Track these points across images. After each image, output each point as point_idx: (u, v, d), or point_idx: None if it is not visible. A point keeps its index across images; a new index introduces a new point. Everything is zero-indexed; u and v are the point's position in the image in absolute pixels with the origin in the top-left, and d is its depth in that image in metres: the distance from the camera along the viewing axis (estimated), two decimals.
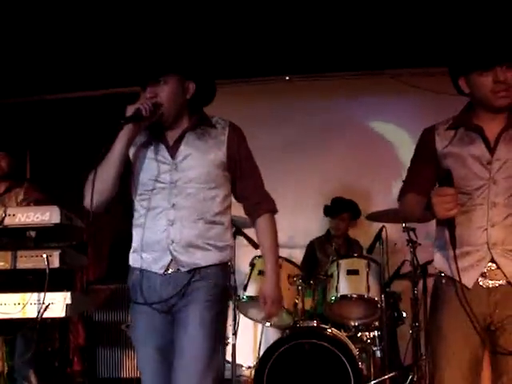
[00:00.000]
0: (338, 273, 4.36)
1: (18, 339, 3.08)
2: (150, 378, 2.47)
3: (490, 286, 2.30)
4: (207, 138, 2.51)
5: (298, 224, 5.91)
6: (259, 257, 4.53)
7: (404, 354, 4.52)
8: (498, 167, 2.33)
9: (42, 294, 2.73)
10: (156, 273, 2.46)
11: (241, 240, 4.45)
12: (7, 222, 2.82)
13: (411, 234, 4.41)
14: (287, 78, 6.06)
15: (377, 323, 4.48)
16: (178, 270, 2.45)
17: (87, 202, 2.43)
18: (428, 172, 2.47)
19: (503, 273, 2.28)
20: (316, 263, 5.17)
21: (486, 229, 2.31)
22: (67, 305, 2.77)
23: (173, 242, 2.44)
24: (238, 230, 4.31)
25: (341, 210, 5.35)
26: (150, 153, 2.51)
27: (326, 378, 3.99)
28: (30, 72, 5.72)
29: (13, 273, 2.83)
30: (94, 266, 5.96)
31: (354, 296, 4.26)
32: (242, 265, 4.92)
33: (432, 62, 5.21)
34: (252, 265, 4.49)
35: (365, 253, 4.85)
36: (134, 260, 2.55)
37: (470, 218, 2.32)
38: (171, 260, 2.44)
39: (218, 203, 2.51)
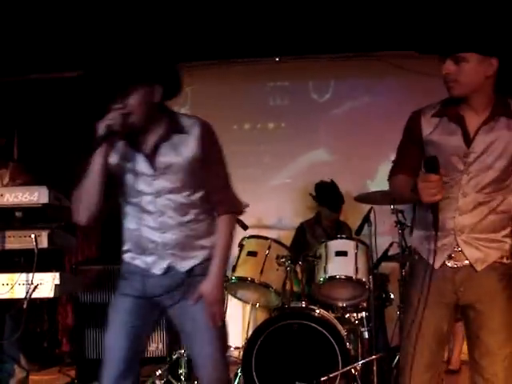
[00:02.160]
0: (327, 254, 4.37)
1: (6, 320, 3.07)
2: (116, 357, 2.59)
3: (455, 266, 2.48)
4: (182, 145, 2.53)
5: (287, 206, 5.93)
6: (248, 237, 4.55)
7: (391, 335, 4.55)
8: (473, 159, 2.43)
9: (31, 275, 2.73)
10: (154, 273, 2.59)
11: None
12: None
13: (399, 215, 4.43)
14: (277, 59, 6.03)
15: (365, 304, 4.50)
16: (175, 269, 2.58)
17: (76, 218, 2.51)
18: (415, 154, 2.55)
19: (465, 256, 2.46)
20: (306, 245, 5.16)
21: (455, 217, 2.47)
22: (56, 285, 2.77)
23: (167, 247, 2.57)
24: None
25: (327, 193, 5.31)
26: (128, 163, 2.54)
27: (314, 358, 4.01)
28: (18, 51, 5.66)
29: (1, 253, 2.82)
30: (82, 247, 5.96)
31: (343, 277, 4.27)
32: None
33: (419, 45, 5.20)
34: (241, 246, 4.49)
35: (353, 234, 4.85)
36: (130, 258, 2.65)
37: (442, 205, 2.39)
38: (168, 263, 2.57)
39: (201, 203, 2.61)
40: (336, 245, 4.44)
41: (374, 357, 4.10)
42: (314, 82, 6.15)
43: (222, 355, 2.62)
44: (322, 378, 3.92)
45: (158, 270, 2.58)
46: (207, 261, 2.61)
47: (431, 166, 2.31)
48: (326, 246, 4.43)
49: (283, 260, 4.36)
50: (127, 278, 2.64)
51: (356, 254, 4.32)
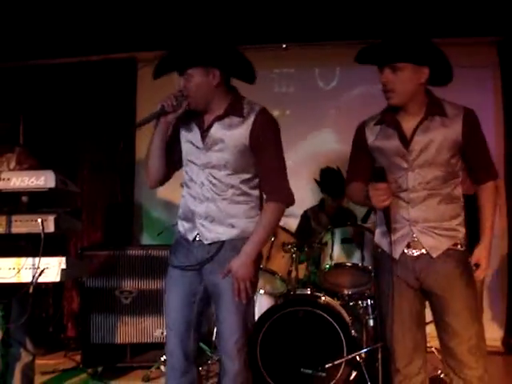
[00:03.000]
0: (333, 241, 4.36)
1: (13, 304, 3.06)
2: (172, 322, 2.88)
3: (414, 254, 2.74)
4: (235, 126, 2.73)
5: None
6: None
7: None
8: (415, 157, 2.69)
9: (37, 259, 2.72)
10: (189, 239, 2.83)
11: None
12: (1, 186, 2.80)
13: None
14: (284, 45, 6.00)
15: (370, 292, 4.49)
16: (201, 241, 2.79)
17: (149, 185, 2.96)
18: (365, 161, 2.88)
19: (422, 245, 2.72)
20: (310, 232, 5.16)
21: (408, 209, 2.73)
22: (62, 270, 2.76)
23: (198, 217, 2.79)
24: None
25: (333, 179, 5.29)
26: (187, 133, 2.84)
27: (320, 345, 4.02)
28: (25, 37, 5.66)
29: (7, 237, 2.81)
30: (88, 232, 5.97)
31: (348, 264, 4.26)
32: None
33: (425, 34, 5.17)
34: None
35: (359, 222, 4.84)
36: (179, 225, 2.92)
37: (396, 200, 2.72)
38: (197, 233, 2.80)
39: (242, 186, 2.78)
40: (342, 232, 4.42)
41: (378, 344, 4.09)
42: (321, 68, 6.12)
43: (242, 326, 2.76)
44: (327, 365, 3.94)
45: (190, 237, 2.82)
46: (237, 240, 2.76)
47: (379, 175, 2.64)
48: (332, 233, 4.42)
49: (289, 247, 4.37)
50: (175, 244, 2.93)
51: (362, 241, 4.31)
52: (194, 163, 2.80)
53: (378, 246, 2.90)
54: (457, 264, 2.70)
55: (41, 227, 2.74)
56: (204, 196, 2.76)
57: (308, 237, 4.99)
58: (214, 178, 2.75)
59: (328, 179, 5.31)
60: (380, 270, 2.89)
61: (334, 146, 5.94)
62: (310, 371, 3.99)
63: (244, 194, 2.78)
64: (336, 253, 4.30)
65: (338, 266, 4.29)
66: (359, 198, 2.85)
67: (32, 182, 2.79)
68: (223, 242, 2.76)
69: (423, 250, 2.72)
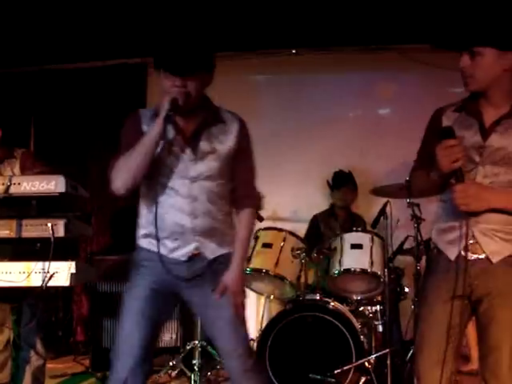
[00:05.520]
0: (342, 247, 4.37)
1: (23, 308, 3.08)
2: (130, 347, 2.59)
3: (471, 258, 2.42)
4: (222, 134, 2.64)
5: (302, 198, 5.92)
6: (263, 229, 4.55)
7: (405, 329, 4.53)
8: (490, 152, 2.41)
9: (47, 263, 2.73)
10: (176, 259, 2.61)
11: None
12: (12, 190, 2.81)
13: (415, 209, 4.40)
14: (294, 51, 6.00)
15: (379, 298, 4.49)
16: (200, 256, 2.62)
17: (117, 186, 2.57)
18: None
19: (482, 249, 2.42)
20: (320, 237, 5.17)
21: None
22: (72, 274, 2.77)
23: (195, 232, 2.60)
24: None
25: (345, 180, 5.37)
26: (166, 144, 2.57)
27: (328, 351, 4.02)
28: (39, 42, 5.70)
29: (18, 241, 2.83)
30: (97, 236, 5.98)
31: (358, 270, 4.26)
32: None
33: (435, 39, 5.16)
34: (256, 237, 4.49)
35: (369, 227, 4.84)
36: (148, 244, 2.65)
37: None
38: (194, 249, 2.61)
39: (229, 196, 2.71)
40: (351, 237, 4.43)
41: (387, 350, 4.09)
42: (332, 74, 6.13)
43: (246, 341, 2.70)
44: (336, 371, 3.94)
45: (181, 255, 2.61)
46: (228, 253, 2.66)
47: (447, 134, 2.35)
48: (341, 239, 4.42)
49: (298, 252, 4.37)
50: (144, 265, 2.65)
51: (371, 247, 4.32)
52: (179, 175, 2.58)
53: (434, 246, 2.62)
54: None
55: (51, 232, 2.75)
56: (199, 210, 2.60)
57: (317, 241, 5.00)
58: (209, 189, 2.61)
59: (340, 180, 5.36)
60: (429, 272, 2.63)
61: (345, 151, 5.93)
62: (318, 377, 3.99)
63: (229, 203, 2.73)
64: (345, 258, 4.30)
65: (347, 272, 4.29)
66: (424, 182, 2.56)
67: (42, 187, 2.80)
68: (223, 256, 2.66)
69: (482, 255, 2.43)
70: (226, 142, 2.64)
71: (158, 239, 2.57)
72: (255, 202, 2.80)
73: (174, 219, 2.60)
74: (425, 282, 2.67)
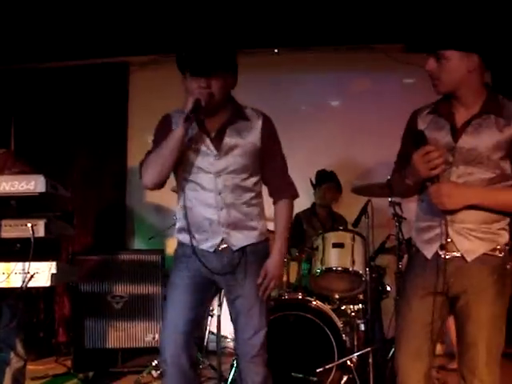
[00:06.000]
0: (324, 246, 4.38)
1: (3, 309, 3.06)
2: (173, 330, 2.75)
3: (447, 256, 2.48)
4: (245, 130, 2.79)
5: None
6: None
7: (387, 327, 4.55)
8: (461, 153, 2.47)
9: (27, 264, 2.71)
10: (207, 250, 2.79)
11: None
12: None
13: (397, 208, 4.42)
14: (276, 50, 6.01)
15: (361, 296, 4.51)
16: (227, 247, 2.79)
17: (146, 181, 2.73)
18: (412, 152, 2.54)
19: (456, 247, 2.49)
20: (303, 236, 5.18)
21: None
22: (52, 274, 2.75)
23: (221, 224, 2.77)
24: None
25: (326, 178, 5.38)
26: (192, 141, 2.75)
27: (310, 349, 4.03)
28: (17, 40, 5.64)
29: None
30: (79, 236, 5.95)
31: (339, 269, 4.28)
32: None
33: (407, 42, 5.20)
34: None
35: (350, 226, 4.85)
36: (183, 238, 2.84)
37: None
38: (221, 240, 2.78)
39: (255, 188, 2.86)
40: (333, 236, 4.44)
41: (369, 349, 4.10)
42: (314, 74, 6.14)
43: (264, 327, 2.89)
44: (318, 370, 3.95)
45: (209, 247, 2.78)
46: (259, 242, 2.86)
47: (420, 139, 2.42)
48: (323, 238, 4.44)
49: None
50: (183, 260, 2.84)
51: (353, 246, 4.33)
52: (204, 170, 2.76)
53: (413, 245, 2.69)
54: (491, 271, 2.46)
55: (31, 232, 2.73)
56: (224, 203, 2.76)
57: (301, 239, 5.02)
58: (232, 183, 2.76)
59: (323, 178, 5.37)
60: (408, 270, 2.71)
61: (327, 150, 5.96)
62: (300, 375, 3.99)
63: (257, 195, 2.87)
64: (327, 257, 4.32)
65: (329, 271, 4.30)
66: (402, 185, 2.59)
67: (22, 187, 2.78)
68: (246, 246, 2.82)
69: (458, 253, 2.48)
70: (250, 138, 2.78)
71: (189, 232, 2.76)
72: (291, 192, 2.99)
73: (200, 212, 2.77)
74: (404, 280, 2.74)
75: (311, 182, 5.44)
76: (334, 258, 4.32)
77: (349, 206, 5.40)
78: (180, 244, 2.88)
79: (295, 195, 3.02)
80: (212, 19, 5.24)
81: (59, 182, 3.00)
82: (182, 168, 2.78)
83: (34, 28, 5.52)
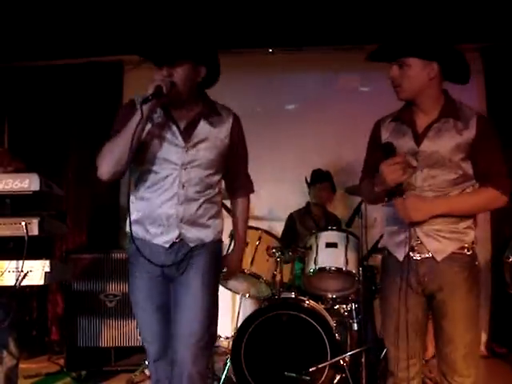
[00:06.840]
0: (317, 245, 4.38)
1: None
2: (151, 336, 2.73)
3: (418, 258, 2.62)
4: (216, 126, 2.73)
5: (278, 197, 5.92)
6: None
7: (380, 327, 4.56)
8: (425, 156, 2.59)
9: (21, 262, 2.72)
10: (160, 245, 2.67)
11: None
12: None
13: None
14: (270, 50, 6.01)
15: (354, 296, 4.51)
16: (183, 242, 2.68)
17: (102, 172, 2.57)
18: (380, 159, 2.62)
19: (426, 248, 2.61)
20: (296, 235, 5.19)
21: None
22: (46, 273, 2.77)
23: (179, 219, 2.65)
24: None
25: (321, 178, 5.39)
26: (159, 132, 2.64)
27: (304, 349, 4.04)
28: (11, 38, 5.63)
29: None
30: (73, 235, 5.94)
31: (333, 269, 4.28)
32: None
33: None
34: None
35: (344, 226, 4.86)
36: (136, 230, 2.70)
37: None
38: (178, 235, 2.66)
39: (217, 186, 2.80)
40: (326, 236, 4.45)
41: (362, 348, 4.11)
42: (307, 73, 6.13)
43: (208, 324, 2.68)
44: (311, 369, 3.96)
45: (163, 241, 2.66)
46: (216, 241, 2.79)
47: (389, 150, 2.53)
48: (316, 238, 4.44)
49: (274, 251, 4.38)
50: (136, 254, 2.66)
51: (346, 245, 4.34)
52: (169, 161, 2.63)
53: (385, 248, 2.81)
54: (461, 269, 2.59)
55: (25, 230, 2.73)
56: (185, 198, 2.65)
57: (294, 239, 5.03)
58: (197, 177, 2.67)
59: (318, 178, 5.38)
60: (384, 271, 2.82)
61: (320, 150, 5.96)
62: (294, 375, 4.00)
63: (218, 193, 2.81)
64: (320, 257, 4.32)
65: (323, 271, 4.31)
66: (371, 193, 2.69)
67: (16, 185, 2.79)
68: (203, 244, 2.72)
69: (428, 254, 2.60)
70: (219, 134, 2.73)
71: (143, 226, 2.68)
72: (249, 189, 3.05)
73: (159, 205, 2.65)
74: (382, 283, 2.87)
75: (306, 180, 5.44)
76: (328, 258, 4.32)
77: (343, 206, 5.42)
78: (133, 236, 2.69)
79: (252, 191, 3.08)
80: (209, 19, 5.23)
81: (53, 180, 3.01)
82: (142, 157, 2.62)
83: (28, 26, 5.51)
